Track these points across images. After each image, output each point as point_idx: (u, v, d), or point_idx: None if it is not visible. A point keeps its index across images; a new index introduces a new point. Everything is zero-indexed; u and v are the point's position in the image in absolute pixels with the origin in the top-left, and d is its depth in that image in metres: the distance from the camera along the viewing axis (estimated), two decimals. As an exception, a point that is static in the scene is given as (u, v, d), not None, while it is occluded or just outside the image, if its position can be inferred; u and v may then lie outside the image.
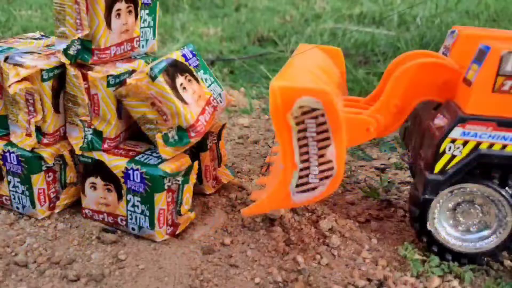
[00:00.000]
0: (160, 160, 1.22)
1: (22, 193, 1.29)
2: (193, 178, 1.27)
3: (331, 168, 1.04)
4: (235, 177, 1.56)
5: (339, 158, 1.03)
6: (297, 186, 1.07)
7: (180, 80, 1.22)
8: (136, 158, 1.22)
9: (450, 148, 1.08)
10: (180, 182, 1.23)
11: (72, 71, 1.17)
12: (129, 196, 1.22)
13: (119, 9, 1.21)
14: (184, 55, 1.29)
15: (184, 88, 1.22)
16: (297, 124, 1.01)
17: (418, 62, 1.14)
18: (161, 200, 1.19)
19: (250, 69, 2.91)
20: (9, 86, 1.13)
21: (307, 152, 1.04)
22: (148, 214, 1.21)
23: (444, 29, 3.65)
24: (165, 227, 1.23)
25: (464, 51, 1.15)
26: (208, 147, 1.41)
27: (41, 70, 1.16)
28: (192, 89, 1.26)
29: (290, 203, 1.10)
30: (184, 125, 1.19)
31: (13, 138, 1.25)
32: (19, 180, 1.27)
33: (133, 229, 1.25)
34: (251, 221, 1.31)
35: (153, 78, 1.15)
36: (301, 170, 1.05)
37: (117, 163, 1.21)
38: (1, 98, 1.25)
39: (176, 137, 1.19)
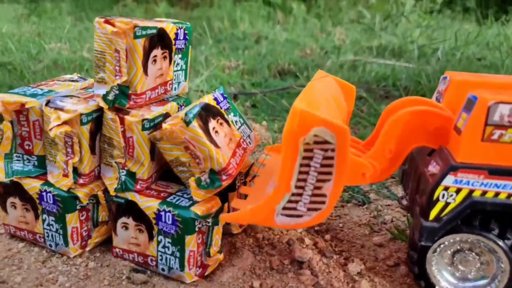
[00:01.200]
0: (191, 202, 1.24)
1: (56, 231, 1.32)
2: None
3: (323, 202, 1.06)
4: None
5: (334, 195, 1.06)
6: (284, 208, 1.08)
7: (212, 124, 1.26)
8: (168, 199, 1.25)
9: (443, 195, 1.09)
10: (210, 224, 1.25)
11: (109, 115, 1.22)
12: (160, 237, 1.24)
13: (155, 56, 1.26)
14: (215, 99, 1.33)
15: (216, 131, 1.26)
16: (306, 150, 1.03)
17: (410, 109, 1.17)
18: (192, 242, 1.21)
19: (271, 103, 2.95)
20: (50, 129, 1.18)
21: (305, 180, 1.05)
22: (178, 255, 1.23)
23: (465, 62, 3.67)
24: (194, 268, 1.24)
25: (455, 98, 1.18)
26: (237, 187, 1.43)
27: (81, 114, 1.21)
28: (224, 132, 1.29)
29: (272, 222, 1.11)
30: (216, 169, 1.22)
31: (50, 178, 1.29)
32: (53, 218, 1.31)
33: (163, 269, 1.27)
34: (279, 263, 1.32)
35: (188, 123, 1.18)
36: (293, 195, 1.07)
37: (149, 204, 1.24)
38: (41, 139, 1.29)
39: (208, 180, 1.22)
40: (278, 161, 1.15)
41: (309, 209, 1.07)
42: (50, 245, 1.35)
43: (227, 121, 1.33)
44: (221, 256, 1.30)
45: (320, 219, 1.08)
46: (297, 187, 1.06)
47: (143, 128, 1.23)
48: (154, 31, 1.23)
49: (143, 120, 1.22)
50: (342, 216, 1.62)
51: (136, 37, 1.17)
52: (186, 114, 1.19)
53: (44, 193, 1.29)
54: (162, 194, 1.28)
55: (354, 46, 4.42)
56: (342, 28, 5.15)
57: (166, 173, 1.39)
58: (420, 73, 3.07)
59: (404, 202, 1.35)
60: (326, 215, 1.07)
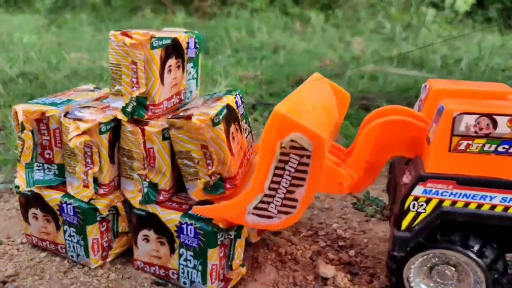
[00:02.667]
0: (213, 214, 1.21)
1: (77, 242, 1.30)
2: (245, 232, 1.25)
3: (294, 207, 1.08)
4: (282, 229, 1.54)
5: (305, 201, 1.08)
6: (255, 208, 1.11)
7: (232, 129, 1.23)
8: (190, 212, 1.22)
9: (414, 205, 1.09)
10: (232, 237, 1.22)
11: (128, 127, 1.20)
12: (182, 250, 1.21)
13: (170, 65, 1.25)
14: (236, 102, 1.30)
15: (233, 137, 1.23)
16: (282, 154, 1.04)
17: (384, 119, 1.17)
18: (214, 255, 1.18)
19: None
20: (70, 140, 1.17)
21: (278, 183, 1.07)
22: (200, 269, 1.20)
23: (488, 73, 3.60)
24: (217, 282, 1.21)
25: (433, 106, 1.16)
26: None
27: (100, 123, 1.20)
28: (237, 139, 1.26)
29: (243, 220, 1.13)
30: (225, 175, 1.18)
31: (70, 190, 1.28)
32: (74, 230, 1.29)
33: (184, 283, 1.24)
34: (303, 279, 1.28)
35: (215, 124, 1.14)
36: (265, 195, 1.09)
37: (170, 217, 1.21)
38: (61, 148, 1.28)
39: (212, 184, 1.19)
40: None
41: (279, 212, 1.10)
42: (72, 256, 1.34)
43: (240, 128, 1.30)
44: (243, 270, 1.26)
45: (289, 223, 1.11)
46: (270, 188, 1.08)
47: (163, 138, 1.20)
48: (169, 41, 1.21)
49: (163, 129, 1.20)
50: (366, 231, 1.57)
51: (152, 47, 1.16)
52: (216, 115, 1.15)
53: (64, 205, 1.28)
54: (183, 206, 1.25)
55: (374, 56, 4.37)
56: (361, 38, 5.10)
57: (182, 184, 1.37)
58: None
59: (385, 212, 1.33)
60: (295, 220, 1.10)
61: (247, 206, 1.10)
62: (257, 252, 1.40)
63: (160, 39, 1.18)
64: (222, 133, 1.16)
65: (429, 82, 1.30)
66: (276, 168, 1.06)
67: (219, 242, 1.18)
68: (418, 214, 1.09)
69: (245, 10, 5.65)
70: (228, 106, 1.23)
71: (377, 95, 3.06)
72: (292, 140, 1.02)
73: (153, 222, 1.24)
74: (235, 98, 1.31)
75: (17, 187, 1.34)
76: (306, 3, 5.95)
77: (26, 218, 1.39)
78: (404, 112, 1.22)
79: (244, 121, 1.35)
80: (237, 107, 1.31)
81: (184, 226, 1.19)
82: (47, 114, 1.24)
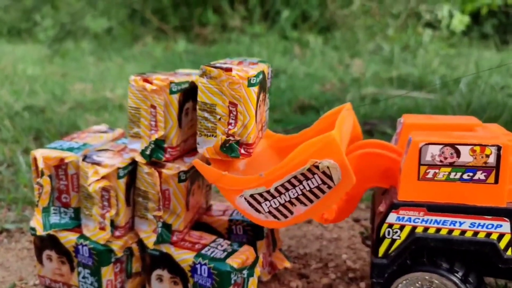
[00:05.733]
0: (226, 253, 1.24)
1: (91, 284, 1.32)
2: (257, 271, 1.27)
3: (285, 216, 1.13)
4: (291, 262, 1.55)
5: (297, 218, 1.13)
6: (251, 196, 1.13)
7: (261, 96, 1.21)
8: (203, 251, 1.24)
9: (389, 232, 1.14)
10: (245, 276, 1.24)
11: (145, 169, 1.23)
12: (196, 290, 1.23)
13: (187, 108, 1.28)
14: (268, 73, 1.29)
15: (259, 106, 1.21)
16: (308, 170, 1.07)
17: (359, 152, 1.24)
18: (228, 295, 1.19)
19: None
20: (89, 184, 1.20)
21: (287, 190, 1.10)
22: (215, 308, 1.21)
23: (489, 91, 3.63)
24: (231, 321, 1.22)
25: (406, 140, 1.23)
26: (265, 235, 1.42)
27: (118, 168, 1.23)
28: (261, 109, 1.25)
29: (232, 198, 1.15)
30: (243, 140, 1.16)
31: (85, 231, 1.30)
32: (89, 271, 1.31)
33: (199, 323, 1.25)
34: (316, 314, 1.29)
35: (251, 85, 1.12)
36: (267, 192, 1.11)
37: (184, 257, 1.24)
38: (78, 192, 1.31)
39: (227, 146, 1.17)
40: (270, 156, 1.26)
41: (270, 212, 1.14)
42: (85, 298, 1.35)
43: (265, 100, 1.29)
44: (257, 308, 1.28)
45: (271, 225, 1.17)
46: (276, 189, 1.11)
47: (179, 180, 1.23)
48: (187, 85, 1.25)
49: (179, 172, 1.23)
50: (376, 261, 1.58)
51: (172, 92, 1.20)
52: (255, 76, 1.12)
53: (80, 247, 1.30)
54: (196, 246, 1.27)
55: (374, 78, 4.43)
56: (360, 59, 5.17)
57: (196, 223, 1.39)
58: (444, 107, 3.05)
59: (368, 242, 1.37)
60: (277, 227, 1.18)
61: (245, 189, 1.13)
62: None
63: (179, 84, 1.22)
64: (255, 96, 1.14)
65: (403, 117, 1.38)
66: (295, 177, 1.09)
67: (232, 282, 1.20)
68: (393, 241, 1.14)
69: (245, 35, 5.74)
70: (263, 73, 1.20)
71: (379, 119, 3.10)
72: (327, 166, 1.06)
73: (167, 262, 1.26)
74: (268, 68, 1.29)
75: (33, 229, 1.36)
76: (304, 27, 6.04)
77: (40, 260, 1.40)
78: (380, 146, 1.29)
79: (268, 94, 1.32)
80: (268, 78, 1.29)
81: (198, 266, 1.21)
82: (66, 160, 1.27)
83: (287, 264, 1.51)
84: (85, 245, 1.29)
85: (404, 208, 1.12)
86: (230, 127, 1.15)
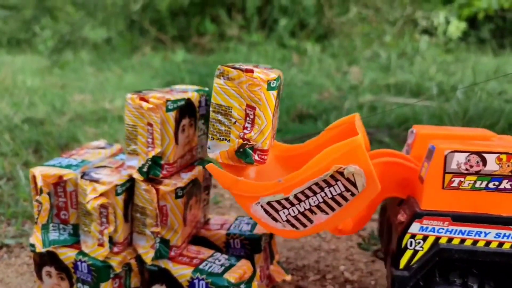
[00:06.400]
0: (223, 268, 1.25)
1: (90, 300, 1.33)
2: (255, 285, 1.28)
3: (304, 225, 1.08)
4: (289, 274, 1.56)
5: (317, 228, 1.09)
6: (268, 203, 1.08)
7: (277, 102, 1.16)
8: (201, 266, 1.26)
9: (411, 243, 1.11)
10: (243, 290, 1.25)
11: (143, 185, 1.24)
12: (194, 305, 1.24)
13: (184, 125, 1.30)
14: (279, 80, 1.24)
15: (275, 112, 1.17)
16: (332, 176, 1.04)
17: (376, 161, 1.20)
18: (226, 310, 1.21)
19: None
20: (88, 202, 1.21)
21: (307, 197, 1.06)
22: (213, 323, 1.22)
23: (486, 97, 3.65)
24: (229, 336, 1.23)
25: (421, 150, 1.23)
26: (262, 248, 1.43)
27: (116, 185, 1.24)
28: (275, 115, 1.21)
29: (247, 206, 1.10)
30: (258, 146, 1.11)
31: (84, 248, 1.31)
32: (88, 287, 1.32)
33: (197, 337, 1.26)
34: (314, 327, 1.30)
35: (270, 89, 1.08)
36: (286, 199, 1.07)
37: (182, 272, 1.25)
38: (77, 209, 1.32)
39: (242, 150, 1.12)
40: (275, 166, 1.20)
41: (288, 221, 1.09)
42: (84, 313, 1.36)
43: (278, 107, 1.25)
44: (255, 322, 1.29)
45: (289, 235, 1.11)
46: (295, 196, 1.06)
47: (176, 196, 1.25)
48: (183, 102, 1.27)
49: (176, 189, 1.24)
50: (373, 273, 1.59)
51: (168, 110, 1.21)
52: (275, 79, 1.08)
53: (79, 263, 1.31)
54: (194, 261, 1.28)
55: (372, 85, 4.45)
56: (357, 66, 5.20)
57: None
58: (441, 114, 3.07)
59: (381, 254, 1.35)
60: (296, 237, 1.11)
61: (262, 196, 1.08)
62: (267, 301, 1.42)
63: (175, 101, 1.24)
64: (273, 100, 1.09)
65: (415, 128, 1.37)
66: (316, 184, 1.05)
67: (230, 296, 1.21)
68: (415, 252, 1.11)
69: (243, 44, 5.77)
70: (280, 78, 1.16)
71: (377, 128, 3.11)
72: (352, 173, 1.03)
73: (165, 277, 1.27)
74: (280, 76, 1.23)
75: (33, 246, 1.38)
76: (302, 35, 6.07)
77: (39, 276, 1.41)
78: (394, 155, 1.27)
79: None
80: (280, 84, 1.21)
81: (196, 281, 1.22)
82: (64, 178, 1.29)
83: (285, 277, 1.52)
84: (84, 261, 1.30)
85: (427, 218, 1.09)
86: (245, 131, 1.10)
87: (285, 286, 1.50)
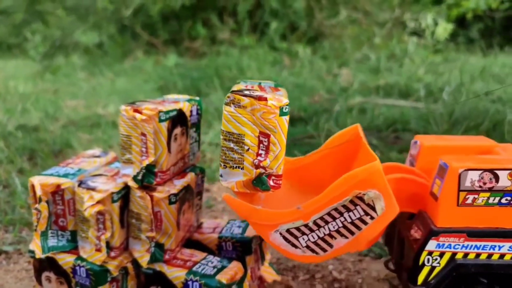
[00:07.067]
0: (215, 269, 1.31)
1: (89, 303, 1.38)
2: (246, 285, 1.34)
3: (324, 250, 1.09)
4: (279, 274, 1.62)
5: (337, 251, 1.11)
6: (287, 231, 1.09)
7: (288, 126, 1.14)
8: (194, 268, 1.31)
9: (428, 260, 1.14)
10: (235, 291, 1.31)
11: (137, 192, 1.30)
12: (189, 306, 1.30)
13: (176, 134, 1.36)
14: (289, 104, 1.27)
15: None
16: (351, 201, 1.06)
17: (390, 177, 1.22)
18: (219, 310, 1.26)
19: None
20: (85, 209, 1.27)
21: (326, 223, 1.07)
22: (206, 323, 1.28)
23: (472, 98, 3.72)
24: (222, 335, 1.29)
25: (427, 163, 1.27)
26: (253, 250, 1.49)
27: (112, 192, 1.30)
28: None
29: (266, 234, 1.11)
30: (273, 171, 1.10)
31: (82, 253, 1.37)
32: (86, 291, 1.38)
33: (192, 337, 1.32)
34: (304, 325, 1.36)
35: (282, 114, 1.07)
36: (305, 225, 1.08)
37: (177, 274, 1.31)
38: (74, 216, 1.38)
39: (258, 178, 1.12)
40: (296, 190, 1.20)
41: (308, 247, 1.11)
42: (83, 316, 1.41)
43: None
44: (247, 321, 1.35)
45: (309, 260, 1.13)
46: (315, 223, 1.08)
47: (170, 202, 1.31)
48: (175, 113, 1.33)
49: (169, 195, 1.30)
50: (360, 271, 1.66)
51: (160, 121, 1.27)
52: (287, 105, 1.07)
53: (77, 267, 1.36)
54: (188, 264, 1.34)
55: (362, 87, 4.52)
56: (348, 68, 5.28)
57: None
58: (428, 117, 3.14)
59: (391, 266, 1.39)
60: (316, 261, 1.13)
61: (281, 224, 1.08)
62: (259, 301, 1.48)
63: (167, 112, 1.30)
64: (286, 125, 1.08)
65: (418, 139, 1.39)
66: (335, 209, 1.06)
67: (223, 297, 1.27)
68: (433, 268, 1.15)
69: (235, 48, 5.83)
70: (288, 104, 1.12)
71: (366, 130, 3.18)
72: (371, 198, 1.05)
73: (161, 280, 1.33)
74: (286, 94, 1.21)
75: (32, 252, 1.43)
76: (293, 37, 6.14)
77: (39, 281, 1.47)
78: (402, 170, 1.31)
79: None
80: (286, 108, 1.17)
81: (190, 282, 1.28)
82: (62, 187, 1.34)
83: (276, 277, 1.58)
84: (82, 266, 1.36)
85: (444, 235, 1.13)
86: (259, 158, 1.09)
87: (276, 285, 1.56)
